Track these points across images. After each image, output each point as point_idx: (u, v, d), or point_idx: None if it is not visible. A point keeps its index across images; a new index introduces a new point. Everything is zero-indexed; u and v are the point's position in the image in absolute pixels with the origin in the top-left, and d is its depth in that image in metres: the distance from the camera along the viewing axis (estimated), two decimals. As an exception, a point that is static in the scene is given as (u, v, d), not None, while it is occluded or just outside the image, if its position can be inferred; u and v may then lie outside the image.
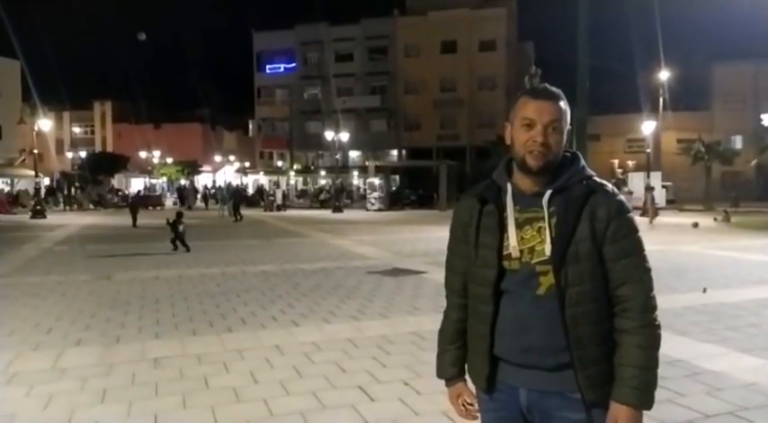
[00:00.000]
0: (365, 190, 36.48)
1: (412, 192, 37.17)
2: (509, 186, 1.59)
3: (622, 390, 1.49)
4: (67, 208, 32.79)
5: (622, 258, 1.51)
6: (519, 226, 1.55)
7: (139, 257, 11.60)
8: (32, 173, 28.42)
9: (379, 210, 31.50)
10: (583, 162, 1.60)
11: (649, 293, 1.53)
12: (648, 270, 1.55)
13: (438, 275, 8.68)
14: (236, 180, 54.00)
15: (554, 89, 1.57)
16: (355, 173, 48.31)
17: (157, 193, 41.62)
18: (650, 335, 1.51)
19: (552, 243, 1.50)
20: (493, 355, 1.59)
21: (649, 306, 1.52)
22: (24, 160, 40.64)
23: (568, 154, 1.61)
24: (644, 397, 1.49)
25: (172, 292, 7.74)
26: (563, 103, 1.56)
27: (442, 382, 1.78)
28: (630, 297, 1.51)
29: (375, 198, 32.59)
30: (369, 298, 7.28)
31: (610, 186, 1.57)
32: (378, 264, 10.41)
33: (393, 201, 34.29)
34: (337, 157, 39.07)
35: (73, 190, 39.10)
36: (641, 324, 1.51)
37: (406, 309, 6.65)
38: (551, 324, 1.50)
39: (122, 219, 21.41)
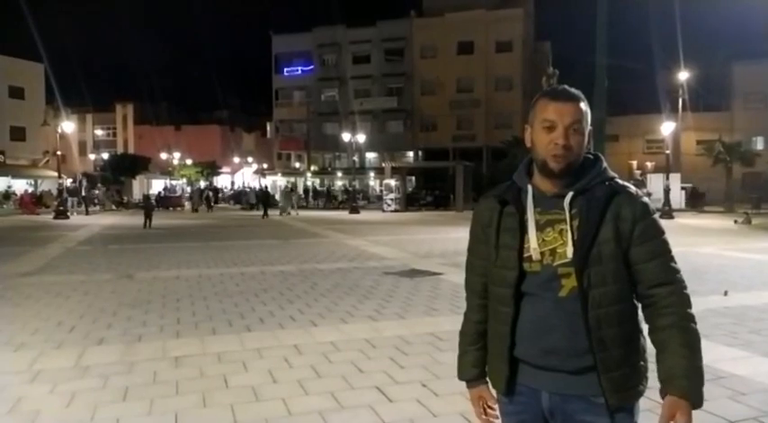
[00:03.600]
0: (382, 191, 36.63)
1: (428, 193, 37.14)
2: (530, 188, 1.58)
3: (679, 382, 1.45)
4: (83, 208, 30.37)
5: (652, 259, 1.50)
6: (540, 228, 1.54)
7: (160, 257, 11.75)
8: (56, 174, 28.92)
9: (396, 211, 31.51)
10: (605, 163, 1.58)
11: (684, 291, 1.53)
12: (679, 270, 1.54)
13: (455, 277, 8.66)
14: (254, 181, 54.59)
15: (574, 90, 1.56)
16: (372, 174, 48.42)
17: (177, 194, 42.11)
18: (693, 330, 1.50)
19: (574, 245, 1.49)
20: (513, 357, 1.58)
21: (687, 302, 1.52)
22: (48, 161, 41.44)
23: (590, 155, 1.59)
24: (699, 391, 1.46)
25: (192, 292, 7.83)
26: (583, 104, 1.54)
27: (460, 383, 1.77)
28: (667, 295, 1.51)
29: (391, 199, 32.63)
30: (386, 298, 7.29)
31: (633, 188, 1.55)
32: (394, 264, 10.41)
33: (409, 202, 34.31)
34: (354, 158, 39.19)
35: (97, 190, 39.68)
36: (683, 321, 1.50)
37: (424, 310, 6.64)
38: (573, 326, 1.49)
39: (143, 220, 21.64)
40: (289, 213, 29.28)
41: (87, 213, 29.53)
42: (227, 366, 4.56)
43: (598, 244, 1.48)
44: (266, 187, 35.34)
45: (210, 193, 38.59)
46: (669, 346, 1.49)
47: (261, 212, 27.73)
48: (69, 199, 31.62)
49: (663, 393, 1.48)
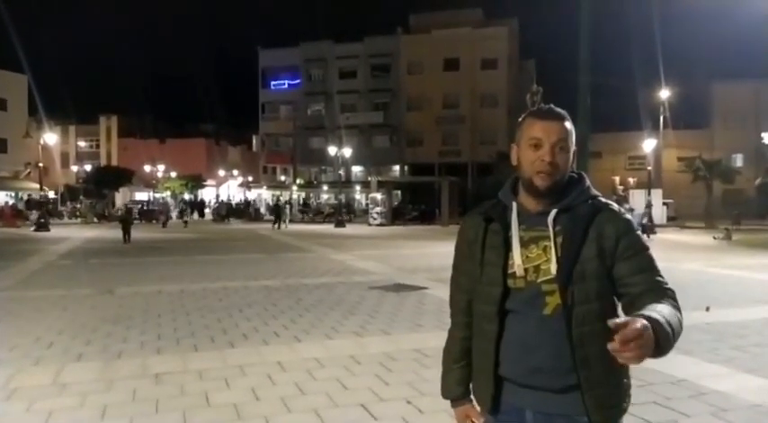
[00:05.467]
0: (368, 205, 36.72)
1: (414, 207, 37.24)
2: (514, 205, 1.59)
3: (652, 313, 1.32)
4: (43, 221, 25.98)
5: (639, 273, 1.50)
6: (524, 245, 1.55)
7: (142, 271, 11.59)
8: (37, 186, 28.51)
9: (382, 225, 31.52)
10: (588, 182, 1.61)
11: (674, 296, 1.47)
12: (667, 283, 1.51)
13: (440, 291, 8.65)
14: (240, 194, 54.47)
15: (559, 110, 1.59)
16: (358, 188, 48.48)
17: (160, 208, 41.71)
18: (677, 309, 1.42)
19: (558, 262, 1.50)
20: (498, 375, 1.58)
21: (675, 298, 1.46)
22: (29, 173, 40.89)
23: (574, 174, 1.61)
24: (667, 337, 1.31)
25: (174, 307, 7.72)
26: (568, 124, 1.57)
27: (445, 400, 1.76)
28: (655, 293, 1.45)
29: (377, 213, 32.66)
30: (371, 314, 7.25)
31: (615, 206, 1.57)
32: (380, 279, 10.38)
33: (395, 216, 34.35)
34: (340, 172, 39.21)
35: (77, 204, 39.13)
36: (669, 301, 1.43)
37: (409, 325, 6.62)
38: (559, 345, 1.49)
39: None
40: (279, 227, 29.62)
41: (47, 228, 25.31)
42: (208, 384, 4.49)
43: (581, 261, 1.49)
44: (278, 200, 36.40)
45: (185, 207, 38.37)
46: (652, 304, 1.38)
47: (228, 224, 27.57)
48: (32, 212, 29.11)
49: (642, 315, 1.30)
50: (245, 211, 43.68)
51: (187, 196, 53.25)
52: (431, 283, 9.81)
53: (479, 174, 42.94)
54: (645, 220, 23.09)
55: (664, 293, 1.46)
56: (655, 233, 22.94)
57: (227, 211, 41.32)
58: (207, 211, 46.08)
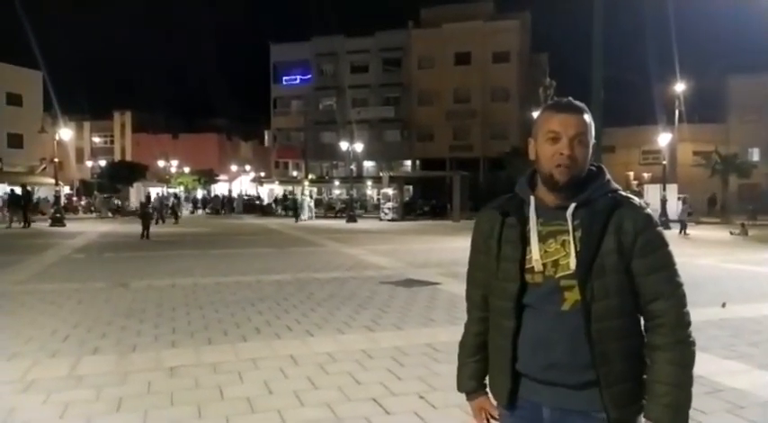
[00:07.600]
0: (379, 200, 36.78)
1: (425, 202, 37.20)
2: (532, 199, 1.57)
3: (654, 407, 1.46)
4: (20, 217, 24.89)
5: (653, 273, 1.49)
6: (542, 239, 1.53)
7: (155, 265, 11.69)
8: (53, 181, 28.80)
9: (393, 220, 31.54)
10: (608, 176, 1.58)
11: (683, 309, 1.50)
12: (681, 284, 1.52)
13: (451, 286, 8.64)
14: (252, 189, 54.88)
15: (578, 103, 1.56)
16: (369, 183, 48.50)
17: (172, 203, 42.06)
18: (684, 352, 1.48)
19: (577, 256, 1.48)
20: (515, 370, 1.57)
21: (683, 322, 1.50)
22: (45, 169, 41.35)
23: (593, 167, 1.59)
24: (676, 416, 1.45)
25: (187, 301, 7.78)
26: (587, 117, 1.54)
27: (458, 395, 1.76)
28: (663, 313, 1.48)
29: (389, 208, 32.69)
30: (383, 308, 7.25)
31: (636, 200, 1.54)
32: (391, 274, 10.38)
33: (406, 211, 34.36)
34: (352, 167, 39.22)
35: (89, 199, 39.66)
36: (674, 340, 1.47)
37: (421, 320, 6.60)
38: (576, 340, 1.47)
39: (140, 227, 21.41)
40: (303, 219, 30.95)
41: (28, 225, 24.77)
42: (222, 377, 4.52)
43: (601, 256, 1.47)
44: (294, 194, 37.27)
45: (177, 202, 38.67)
46: (656, 365, 1.48)
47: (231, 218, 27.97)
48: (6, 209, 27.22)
49: (644, 415, 1.48)
50: (225, 204, 45.74)
51: (200, 192, 53.66)
52: (442, 278, 9.79)
53: (491, 169, 42.81)
54: (686, 216, 22.84)
55: (671, 324, 1.48)
56: (669, 228, 22.71)
57: (221, 205, 44.60)
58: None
